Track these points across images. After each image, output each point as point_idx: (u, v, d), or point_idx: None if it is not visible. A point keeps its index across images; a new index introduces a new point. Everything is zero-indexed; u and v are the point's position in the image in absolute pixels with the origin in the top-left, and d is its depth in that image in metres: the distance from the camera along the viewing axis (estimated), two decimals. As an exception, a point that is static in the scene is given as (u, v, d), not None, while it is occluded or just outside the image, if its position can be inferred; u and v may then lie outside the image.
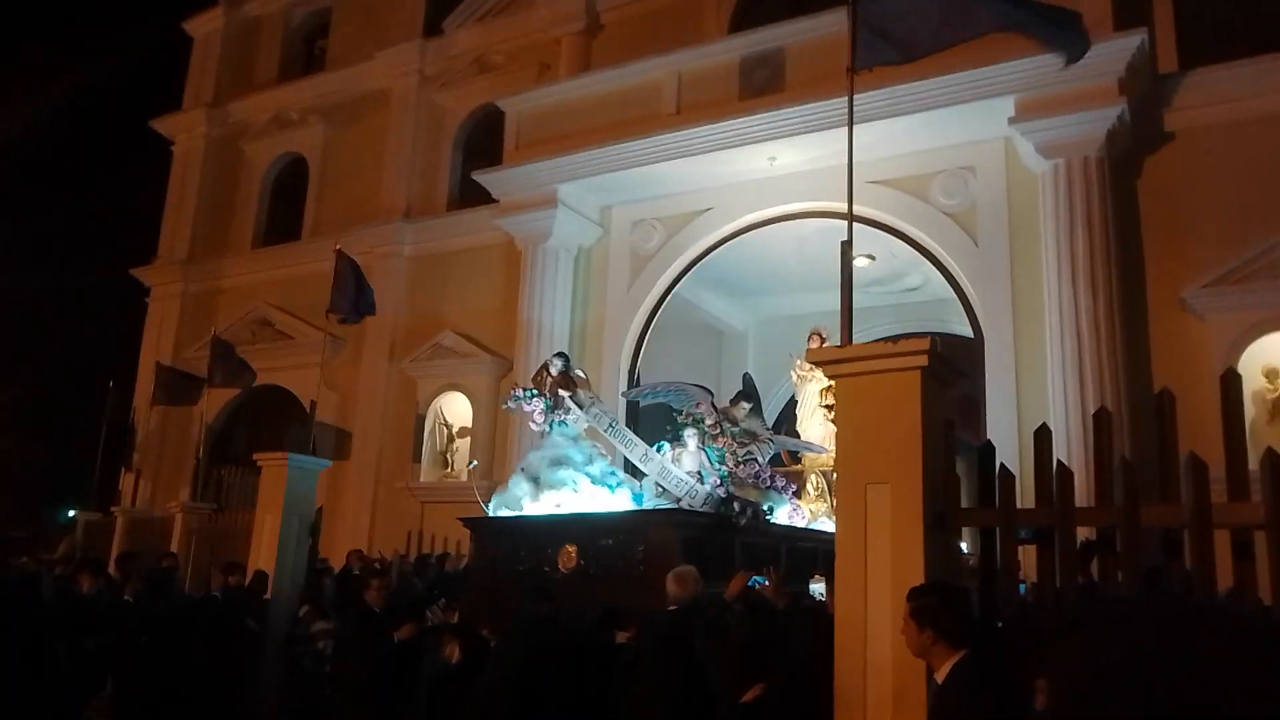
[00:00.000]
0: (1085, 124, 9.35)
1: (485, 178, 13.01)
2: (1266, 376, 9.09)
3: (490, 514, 7.84)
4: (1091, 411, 8.63)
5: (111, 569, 8.97)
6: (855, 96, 8.19)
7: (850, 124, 4.83)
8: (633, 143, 11.73)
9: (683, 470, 7.59)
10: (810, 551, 8.46)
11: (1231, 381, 3.52)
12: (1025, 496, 3.91)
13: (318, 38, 17.95)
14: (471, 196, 14.24)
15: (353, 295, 11.33)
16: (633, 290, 12.69)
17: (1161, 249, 9.61)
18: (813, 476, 9.92)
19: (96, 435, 15.90)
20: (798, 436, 10.32)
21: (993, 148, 10.37)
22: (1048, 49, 4.99)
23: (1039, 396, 9.51)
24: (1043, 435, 3.71)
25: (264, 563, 8.43)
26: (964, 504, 3.92)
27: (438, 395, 13.90)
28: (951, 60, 8.26)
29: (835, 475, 9.39)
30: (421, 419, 13.87)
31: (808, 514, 8.93)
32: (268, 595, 8.05)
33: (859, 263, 12.78)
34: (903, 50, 5.04)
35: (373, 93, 16.10)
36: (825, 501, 9.67)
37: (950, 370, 3.98)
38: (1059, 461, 3.57)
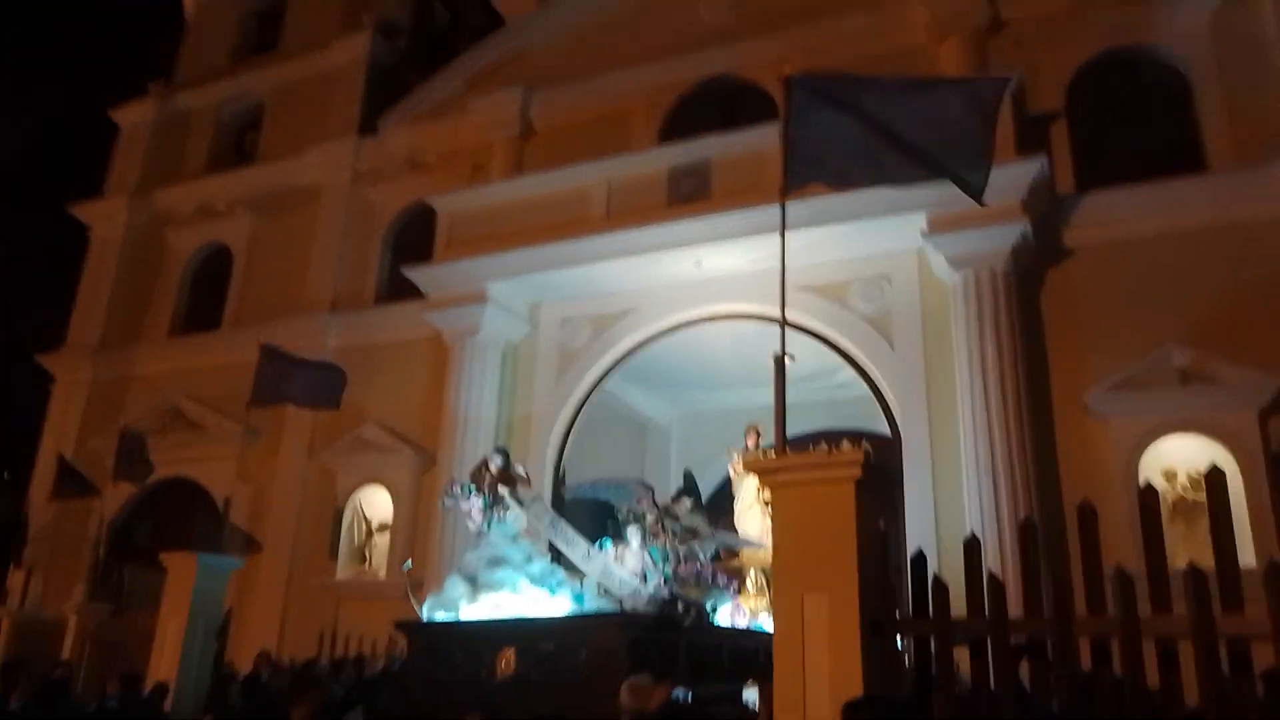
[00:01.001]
0: (991, 239, 9.98)
1: (415, 273, 13.07)
2: (1165, 477, 9.59)
3: (425, 617, 7.60)
4: (1004, 514, 9.14)
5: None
6: (777, 207, 8.65)
7: (783, 246, 5.09)
8: (563, 244, 11.99)
9: (626, 570, 7.52)
10: (752, 651, 8.39)
11: (1149, 498, 3.73)
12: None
13: (248, 131, 17.97)
14: (399, 291, 14.24)
15: (301, 385, 10.92)
16: (560, 386, 12.77)
17: (1065, 355, 10.19)
18: (752, 572, 9.95)
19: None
20: (733, 530, 10.36)
21: (907, 258, 10.94)
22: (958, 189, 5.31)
23: (954, 496, 9.84)
24: (972, 546, 3.85)
25: (165, 671, 7.99)
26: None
27: (358, 488, 13.58)
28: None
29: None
30: (340, 512, 13.49)
31: (748, 611, 8.95)
32: (168, 708, 7.58)
33: (787, 359, 13.13)
34: (830, 175, 5.34)
35: (303, 186, 16.12)
36: (765, 597, 9.68)
37: (883, 480, 4.14)
38: (990, 573, 3.70)
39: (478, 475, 8.02)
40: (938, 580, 3.82)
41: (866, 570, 3.76)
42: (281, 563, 13.56)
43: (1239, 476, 8.98)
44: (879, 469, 4.02)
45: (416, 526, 12.68)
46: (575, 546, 7.74)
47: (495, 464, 7.96)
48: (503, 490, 7.81)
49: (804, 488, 3.93)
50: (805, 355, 12.42)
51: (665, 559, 8.00)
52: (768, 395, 14.34)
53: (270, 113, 17.57)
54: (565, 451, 12.62)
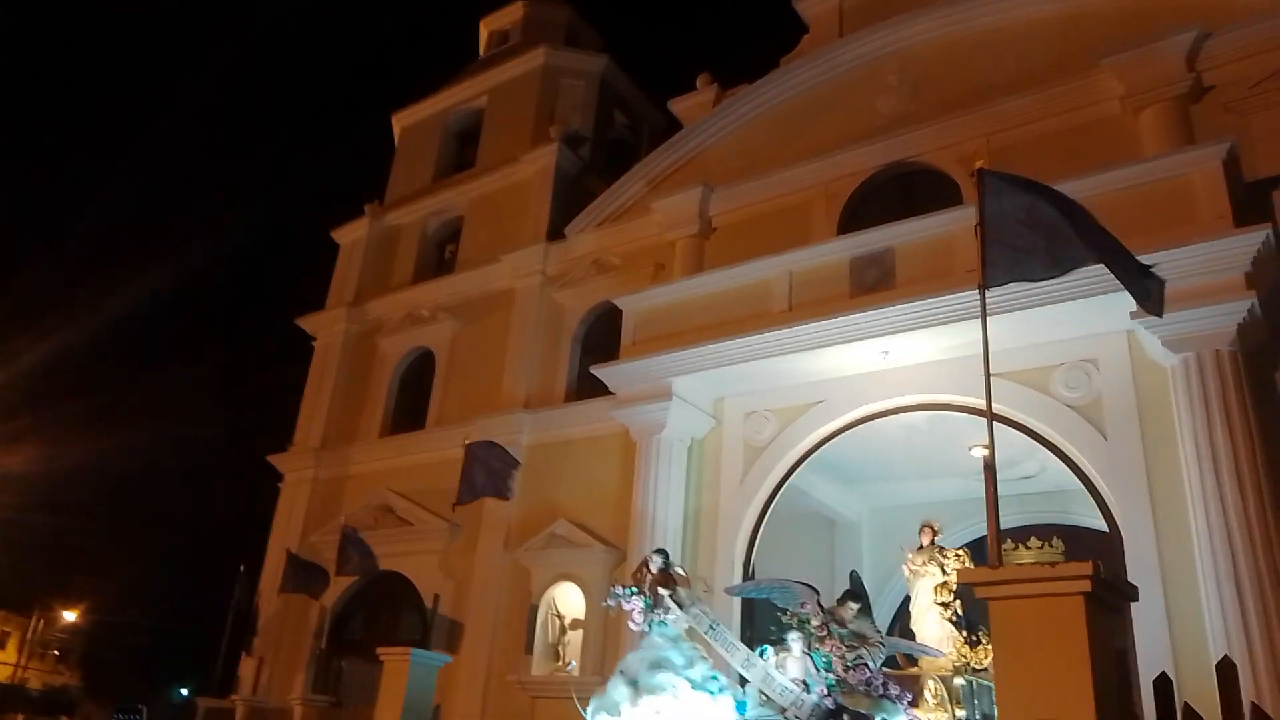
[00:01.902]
0: (1213, 318, 9.19)
1: (602, 371, 13.49)
2: None
3: (589, 719, 7.62)
4: (1254, 630, 8.09)
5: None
6: (965, 294, 8.35)
7: (985, 345, 4.91)
8: (745, 339, 12.04)
9: (787, 677, 7.31)
10: None
11: None
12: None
13: (450, 242, 19.47)
14: (588, 389, 14.74)
15: (486, 480, 11.53)
16: (746, 481, 12.66)
17: (1313, 444, 9.10)
18: (930, 682, 9.36)
19: (220, 617, 16.35)
20: (912, 636, 9.81)
21: (1115, 340, 10.23)
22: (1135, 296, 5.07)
23: (1188, 599, 8.85)
24: (1227, 670, 3.48)
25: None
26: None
27: (551, 585, 13.89)
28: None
29: (957, 682, 8.95)
30: (535, 609, 13.82)
31: None
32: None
33: (975, 452, 12.52)
34: (1034, 268, 5.19)
35: (498, 292, 17.20)
36: (946, 711, 9.05)
37: (1118, 594, 3.82)
38: (1255, 705, 3.32)
39: (638, 576, 8.03)
40: (1189, 709, 3.46)
41: (1104, 697, 3.45)
42: (481, 658, 13.99)
43: None
44: (1111, 582, 3.72)
45: (608, 623, 12.77)
46: (735, 651, 7.58)
47: (655, 565, 7.95)
48: (663, 592, 7.78)
49: (1026, 601, 3.68)
50: (1000, 446, 11.84)
51: (829, 666, 7.67)
52: (952, 487, 13.71)
53: (468, 224, 19.00)
54: (754, 549, 12.42)
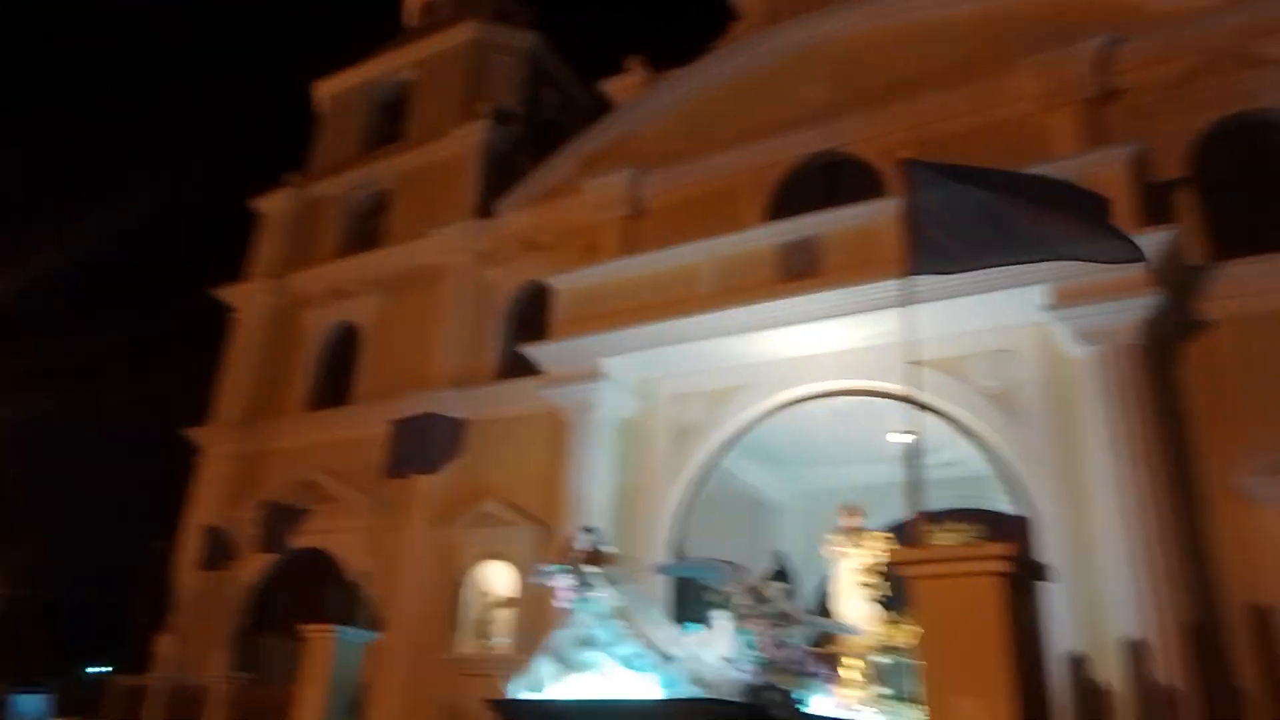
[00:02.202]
0: (1120, 312, 9.69)
1: (532, 351, 13.50)
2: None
3: (510, 695, 7.47)
4: (1153, 607, 8.55)
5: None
6: (888, 282, 8.61)
7: (906, 326, 5.13)
8: (674, 321, 12.17)
9: (714, 655, 7.31)
10: None
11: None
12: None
13: (376, 216, 19.11)
14: (518, 368, 14.73)
15: (420, 453, 11.36)
16: (673, 461, 12.84)
17: (1213, 435, 9.65)
18: (850, 660, 9.27)
19: (134, 594, 15.88)
20: (831, 615, 10.02)
21: (1030, 332, 10.67)
22: (1100, 262, 5.30)
23: (1091, 583, 9.35)
24: (1136, 649, 3.76)
25: (307, 742, 8.30)
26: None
27: (478, 563, 13.91)
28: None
29: (877, 660, 9.25)
30: (462, 587, 13.82)
31: (846, 701, 8.51)
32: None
33: (894, 438, 12.96)
34: (955, 263, 5.41)
35: (426, 268, 16.99)
36: (866, 689, 9.10)
37: (1033, 573, 4.09)
38: (1161, 682, 3.61)
39: (566, 553, 7.90)
40: (1099, 687, 3.74)
41: (1020, 671, 3.71)
42: (407, 636, 13.93)
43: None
44: (1028, 561, 3.98)
45: (537, 602, 12.85)
46: (664, 629, 7.53)
47: (584, 542, 7.81)
48: (591, 569, 7.63)
49: (947, 580, 3.91)
50: (922, 432, 12.27)
51: (756, 645, 7.70)
52: (872, 472, 13.99)
53: (396, 198, 18.68)
54: (680, 528, 12.65)
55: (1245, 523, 9.21)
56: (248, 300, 19.13)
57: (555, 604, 8.17)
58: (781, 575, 8.75)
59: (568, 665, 7.33)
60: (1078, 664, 3.78)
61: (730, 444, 12.74)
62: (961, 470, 13.19)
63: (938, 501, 13.04)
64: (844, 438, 13.26)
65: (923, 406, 11.04)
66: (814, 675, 8.08)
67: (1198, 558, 9.08)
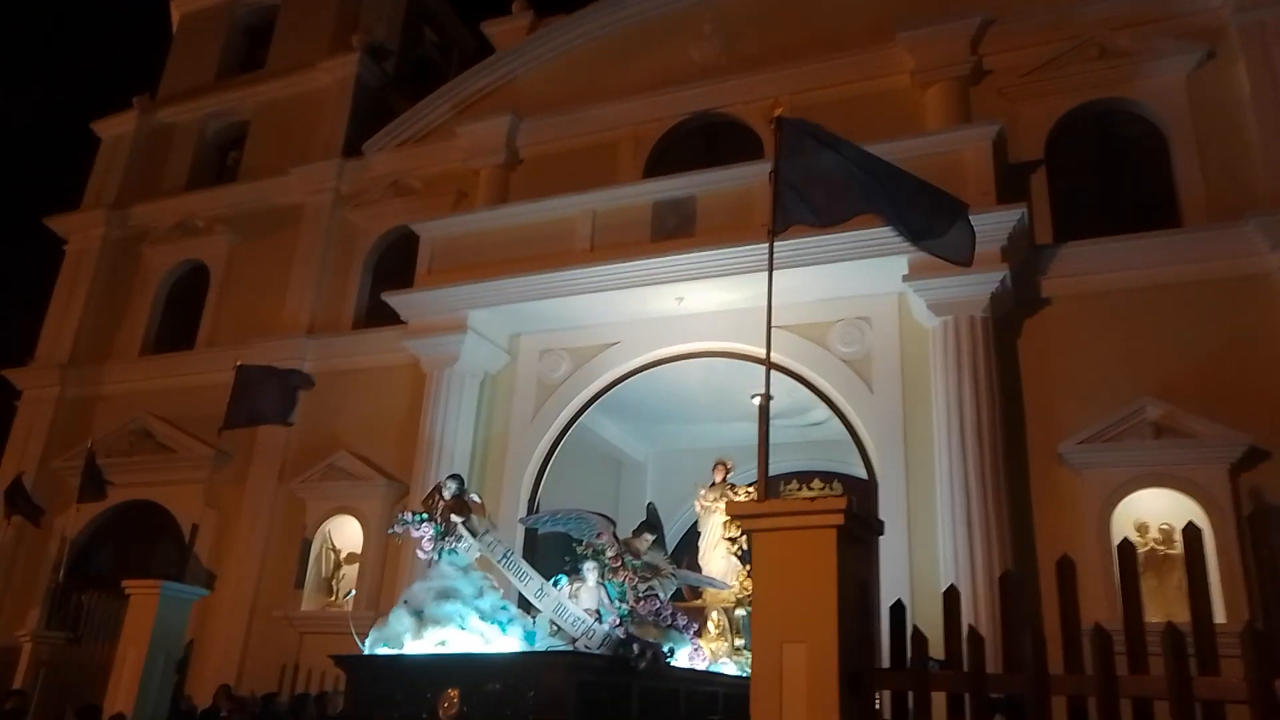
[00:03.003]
0: (970, 286, 10.03)
1: (395, 299, 12.96)
2: (1138, 530, 9.61)
3: (366, 651, 7.18)
4: (979, 564, 9.10)
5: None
6: (760, 246, 8.64)
7: (770, 288, 5.07)
8: (545, 275, 11.93)
9: (580, 607, 7.20)
10: (710, 695, 8.16)
11: (1127, 553, 3.71)
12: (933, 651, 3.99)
13: (232, 149, 17.88)
14: (378, 317, 14.12)
15: (263, 404, 10.72)
16: (537, 418, 12.65)
17: (1041, 405, 10.23)
18: (714, 614, 9.71)
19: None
20: (699, 569, 10.18)
21: (888, 301, 10.98)
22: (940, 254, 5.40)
23: (930, 543, 9.80)
24: (951, 597, 3.81)
25: (122, 703, 7.73)
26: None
27: (328, 518, 13.33)
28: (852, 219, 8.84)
29: (738, 613, 9.44)
30: (308, 543, 13.23)
31: (708, 654, 8.68)
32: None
33: (755, 400, 13.13)
34: (818, 216, 5.36)
35: (284, 207, 16.02)
36: (726, 641, 9.47)
37: (866, 527, 4.09)
38: (970, 627, 3.65)
39: (429, 502, 7.60)
40: (917, 632, 3.77)
41: (846, 621, 3.70)
42: (245, 593, 13.26)
43: (1210, 532, 9.01)
44: (861, 517, 3.97)
45: (387, 558, 12.45)
46: (528, 581, 7.29)
47: (449, 491, 7.53)
48: (455, 519, 7.36)
49: (785, 534, 3.87)
50: (780, 395, 12.46)
51: (623, 596, 7.70)
52: (741, 431, 14.25)
53: (254, 131, 17.50)
54: (541, 486, 12.48)
55: (1062, 485, 9.83)
56: (81, 231, 17.58)
57: (417, 554, 7.84)
58: (652, 527, 8.67)
59: (426, 619, 7.05)
60: (899, 612, 3.79)
61: (594, 401, 12.62)
62: (827, 432, 13.51)
63: (806, 462, 13.64)
64: (711, 399, 13.34)
65: (781, 369, 11.28)
66: (677, 627, 8.11)
67: (1020, 516, 9.66)
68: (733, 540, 9.80)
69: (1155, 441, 9.60)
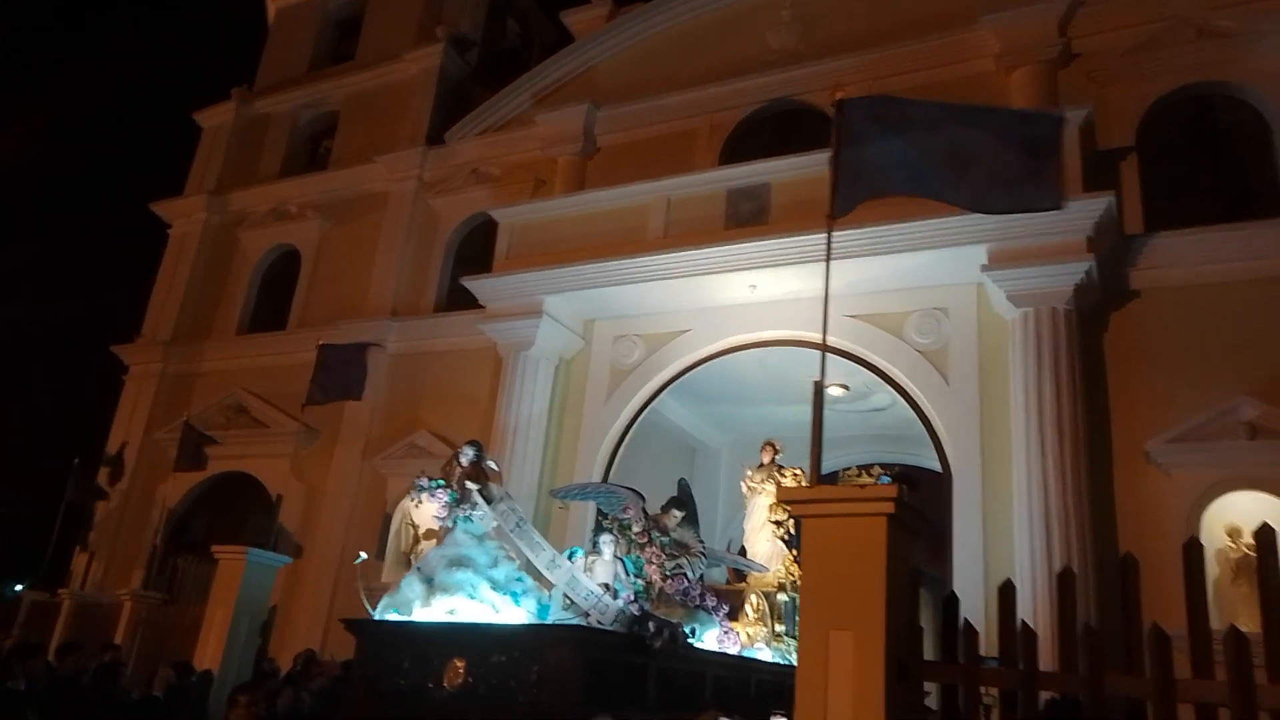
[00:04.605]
0: (1054, 277, 9.74)
1: (474, 284, 13.26)
2: (1230, 535, 9.20)
3: (376, 616, 7.01)
4: (1055, 562, 8.85)
5: (52, 657, 8.64)
6: (835, 233, 8.58)
7: (827, 274, 5.08)
8: (619, 261, 12.04)
9: (594, 581, 6.93)
10: (742, 683, 7.85)
11: (1194, 552, 3.60)
12: (990, 646, 3.94)
13: (323, 138, 18.49)
14: (458, 301, 14.47)
15: (339, 383, 11.16)
16: (610, 403, 12.80)
17: (1128, 401, 9.87)
18: (753, 597, 9.39)
19: (54, 510, 15.49)
20: (744, 552, 9.97)
21: (966, 291, 10.73)
22: (1022, 210, 5.21)
23: (1005, 538, 9.59)
24: (1007, 591, 3.76)
25: (210, 661, 8.19)
26: (929, 654, 3.94)
27: (407, 495, 13.75)
28: (928, 206, 8.61)
29: (780, 598, 9.30)
30: (388, 518, 13.69)
31: (742, 638, 8.43)
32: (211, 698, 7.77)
33: (832, 390, 13.03)
34: (879, 189, 5.28)
35: (371, 194, 16.53)
36: (765, 626, 9.19)
37: (918, 518, 4.06)
38: (1023, 622, 3.61)
39: (447, 469, 7.38)
40: (968, 625, 3.74)
41: (895, 610, 3.69)
42: (329, 563, 13.81)
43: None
44: (913, 508, 3.95)
45: (461, 534, 12.76)
46: (540, 552, 7.01)
47: (466, 457, 7.28)
48: (471, 486, 7.09)
49: (834, 520, 3.87)
50: (843, 379, 12.33)
51: (639, 571, 7.40)
52: (806, 414, 14.00)
53: (344, 120, 18.07)
54: (612, 470, 12.63)
55: (1148, 486, 9.47)
56: (184, 216, 18.48)
57: (433, 523, 7.61)
58: (682, 503, 8.45)
59: (436, 586, 6.83)
60: (952, 604, 3.77)
61: (667, 387, 12.70)
62: (893, 422, 13.29)
63: (870, 455, 13.46)
64: (784, 384, 13.25)
65: (858, 360, 11.17)
66: (706, 608, 7.89)
67: (1102, 516, 9.35)
68: (779, 523, 9.53)
69: (1250, 443, 9.20)
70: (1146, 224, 10.45)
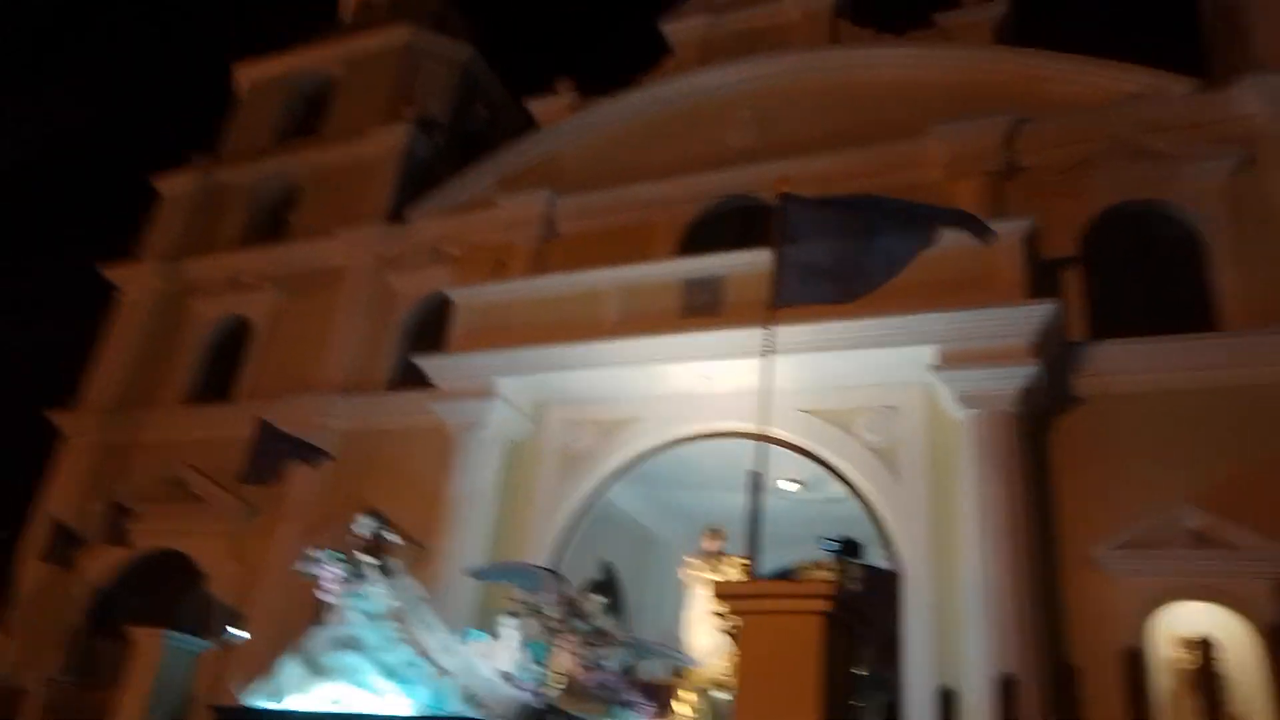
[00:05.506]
0: (1000, 379, 9.91)
1: (426, 362, 13.14)
2: (1185, 646, 9.02)
3: (246, 703, 6.45)
4: (1009, 666, 8.73)
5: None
6: (787, 328, 8.66)
7: (764, 365, 5.08)
8: (573, 346, 12.02)
9: (494, 668, 6.45)
10: None
11: (1135, 661, 3.57)
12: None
13: (285, 210, 18.47)
14: (410, 379, 14.30)
15: (283, 459, 10.86)
16: (561, 488, 12.61)
17: (1075, 505, 9.92)
18: (689, 694, 8.61)
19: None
20: (678, 643, 9.46)
21: (916, 390, 10.84)
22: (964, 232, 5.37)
23: (957, 638, 9.45)
24: (948, 698, 3.69)
25: (120, 754, 7.68)
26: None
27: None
28: (880, 303, 8.74)
29: (719, 696, 8.89)
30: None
31: None
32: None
33: (789, 487, 12.98)
34: (833, 291, 5.38)
35: (329, 268, 16.44)
36: None
37: (855, 616, 4.00)
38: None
39: (341, 539, 6.93)
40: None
41: (829, 711, 3.60)
42: (263, 650, 13.19)
43: (1258, 647, 8.58)
44: (852, 605, 3.89)
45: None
46: (434, 634, 6.49)
47: (366, 528, 6.80)
48: (367, 560, 6.59)
49: (769, 617, 3.79)
50: (810, 475, 12.27)
51: (542, 659, 6.89)
52: (774, 508, 13.87)
53: (306, 194, 18.10)
54: (564, 558, 12.33)
55: (1096, 590, 9.43)
56: (136, 282, 18.17)
57: (320, 596, 6.90)
58: (605, 589, 7.98)
59: (317, 669, 6.31)
60: (947, 699, 3.68)
61: (618, 475, 12.57)
62: (850, 508, 13.18)
63: (818, 535, 13.30)
64: (732, 467, 13.13)
65: (809, 455, 11.18)
66: (628, 704, 7.44)
67: (1053, 620, 9.26)
68: (719, 615, 9.05)
69: (1195, 550, 9.26)
70: (1092, 332, 10.73)
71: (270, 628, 13.43)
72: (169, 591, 14.64)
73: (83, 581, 14.35)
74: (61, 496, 16.15)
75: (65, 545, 13.73)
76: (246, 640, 9.62)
